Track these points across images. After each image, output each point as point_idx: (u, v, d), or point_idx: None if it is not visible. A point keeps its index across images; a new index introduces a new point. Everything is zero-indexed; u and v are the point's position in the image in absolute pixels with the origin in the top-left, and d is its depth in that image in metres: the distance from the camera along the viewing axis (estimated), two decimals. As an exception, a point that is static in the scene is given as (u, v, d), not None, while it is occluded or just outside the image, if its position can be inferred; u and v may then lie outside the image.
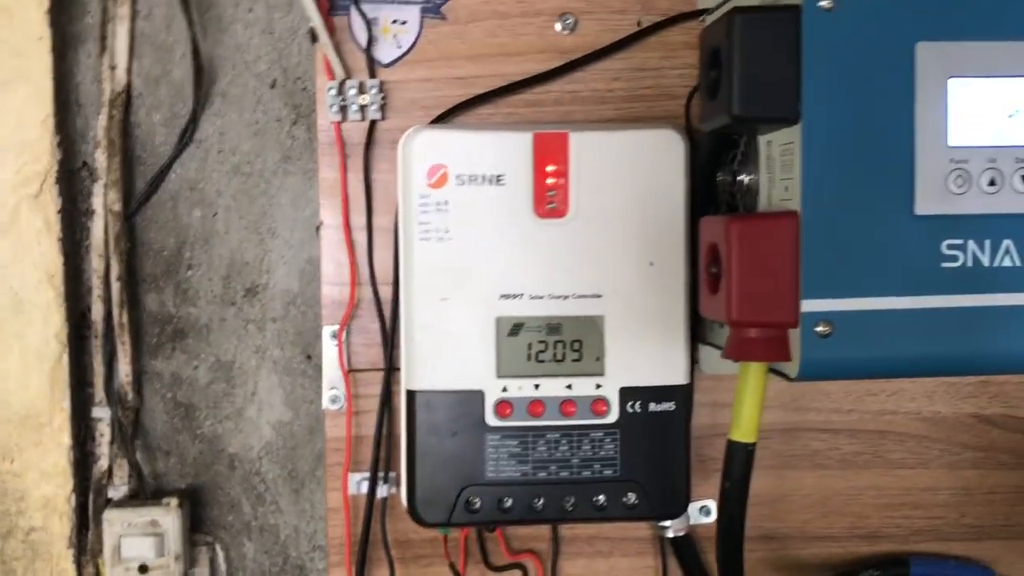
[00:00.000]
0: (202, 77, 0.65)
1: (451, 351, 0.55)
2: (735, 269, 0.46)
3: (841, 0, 0.45)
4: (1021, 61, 0.46)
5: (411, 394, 0.55)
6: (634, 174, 0.55)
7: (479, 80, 0.61)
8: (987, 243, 0.46)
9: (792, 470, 0.64)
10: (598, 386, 0.56)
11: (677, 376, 0.56)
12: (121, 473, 0.65)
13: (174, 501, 0.64)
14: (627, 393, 0.56)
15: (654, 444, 0.56)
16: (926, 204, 0.46)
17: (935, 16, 0.45)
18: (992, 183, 0.46)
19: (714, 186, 0.57)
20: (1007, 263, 0.46)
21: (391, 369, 0.59)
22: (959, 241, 0.46)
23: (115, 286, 0.64)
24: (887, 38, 0.45)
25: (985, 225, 0.46)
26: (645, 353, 0.56)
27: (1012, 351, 0.47)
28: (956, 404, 0.64)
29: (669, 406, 0.56)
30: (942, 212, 0.46)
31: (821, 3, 0.45)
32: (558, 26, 0.62)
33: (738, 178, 0.54)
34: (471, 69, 0.61)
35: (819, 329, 0.46)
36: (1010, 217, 0.46)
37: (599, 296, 0.56)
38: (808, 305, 0.46)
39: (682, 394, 0.56)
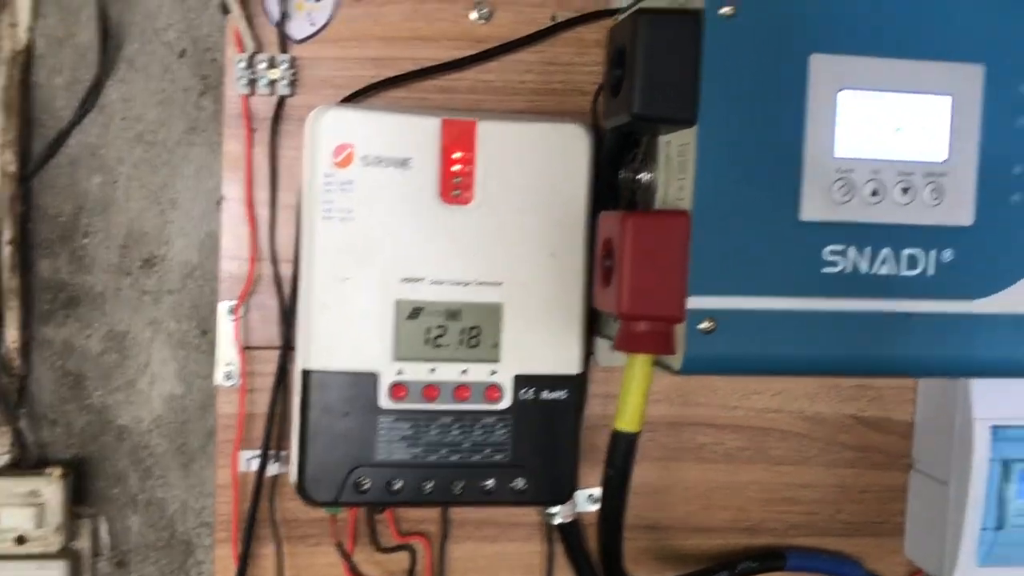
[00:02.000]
0: (108, 42, 0.64)
1: (348, 332, 0.55)
2: (627, 263, 0.47)
3: (741, 8, 0.46)
4: (909, 78, 0.48)
5: (306, 373, 0.55)
6: (539, 166, 0.56)
7: (392, 63, 0.61)
8: (867, 251, 0.48)
9: (677, 462, 0.66)
10: (493, 372, 0.56)
11: (571, 366, 0.57)
12: (3, 441, 0.63)
13: (57, 471, 0.62)
14: (521, 381, 0.57)
15: (545, 431, 0.57)
16: (811, 211, 0.48)
17: (830, 29, 0.47)
18: (874, 194, 0.48)
19: (616, 182, 0.58)
20: (884, 271, 0.48)
21: (287, 348, 0.59)
22: (840, 247, 0.48)
23: (6, 249, 0.63)
24: (783, 48, 0.47)
25: (866, 233, 0.48)
26: (541, 342, 0.57)
27: (886, 355, 0.49)
28: (837, 405, 0.67)
29: (561, 395, 0.57)
30: (826, 219, 0.48)
31: (722, 10, 0.46)
32: (474, 15, 0.62)
33: (638, 176, 0.55)
34: (384, 51, 0.61)
35: (703, 326, 0.47)
36: (889, 227, 0.48)
37: (499, 284, 0.56)
38: (694, 302, 0.47)
39: (575, 384, 0.57)
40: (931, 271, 0.49)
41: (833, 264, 0.48)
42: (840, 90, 0.47)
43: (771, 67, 0.47)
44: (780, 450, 0.67)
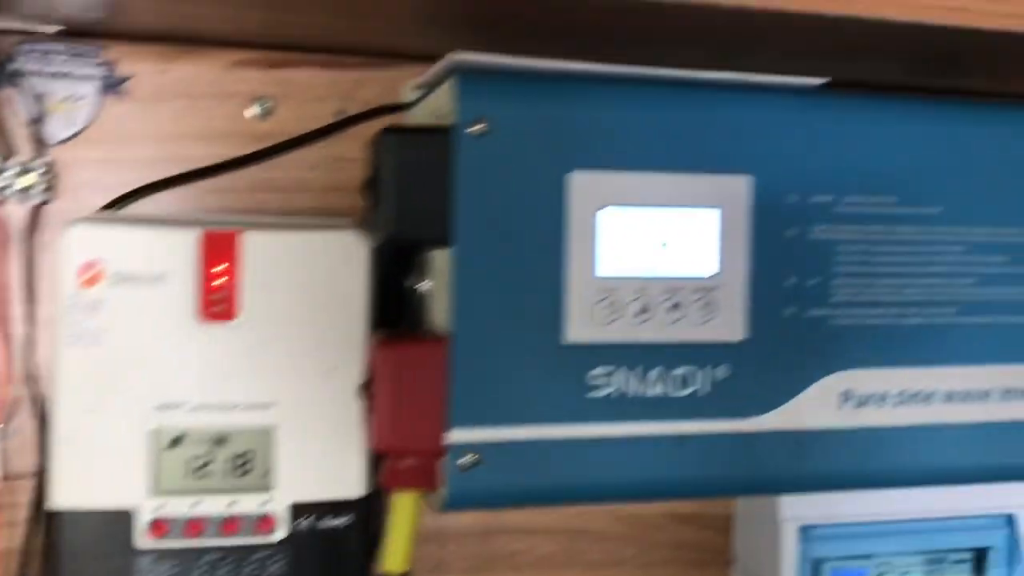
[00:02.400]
0: None
1: (98, 467, 0.50)
2: (380, 395, 0.44)
3: (493, 126, 0.44)
4: (674, 192, 0.46)
5: (50, 515, 0.50)
6: (312, 277, 0.53)
7: (164, 163, 0.57)
8: (636, 371, 0.46)
9: (489, 573, 0.63)
10: (265, 502, 0.52)
11: (353, 489, 0.54)
12: None
13: None
14: (298, 509, 0.53)
15: (327, 563, 0.53)
16: (575, 332, 0.45)
17: (589, 146, 0.45)
18: (641, 312, 0.46)
19: (402, 291, 0.55)
20: (655, 392, 0.46)
21: (43, 477, 0.54)
22: (608, 369, 0.46)
23: None
24: (540, 166, 0.44)
25: (634, 353, 0.46)
26: (320, 466, 0.53)
27: (662, 478, 0.47)
28: (651, 504, 0.65)
29: (344, 521, 0.53)
30: (591, 341, 0.46)
31: (473, 127, 0.43)
32: (252, 111, 0.59)
33: (416, 286, 0.52)
34: (155, 151, 0.57)
35: (465, 460, 0.44)
36: (658, 346, 0.46)
37: (270, 406, 0.52)
38: (454, 435, 0.44)
39: (359, 508, 0.54)
40: (704, 390, 0.47)
41: (601, 387, 0.46)
42: (601, 208, 0.45)
43: (529, 185, 0.44)
44: (594, 553, 0.64)
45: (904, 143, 0.49)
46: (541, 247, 0.45)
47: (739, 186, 0.47)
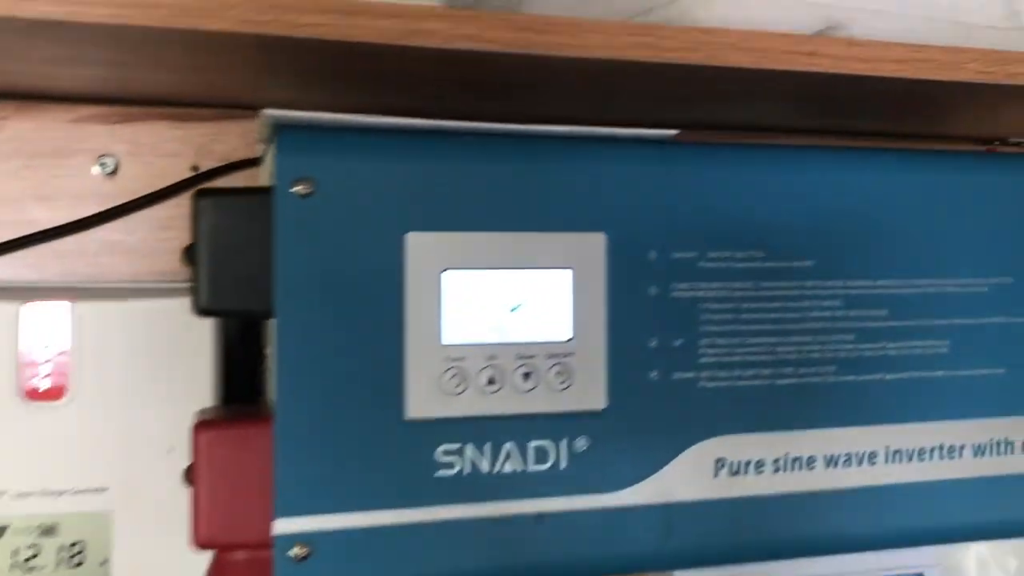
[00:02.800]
0: None
1: (-94, 564, 0.45)
2: (199, 483, 0.40)
3: (319, 186, 0.40)
4: (520, 252, 0.43)
5: None
6: (152, 348, 0.49)
7: (2, 227, 0.53)
8: (487, 447, 0.43)
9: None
10: (100, 595, 0.48)
11: (198, 577, 0.49)
12: None
13: None
14: (137, 602, 0.48)
15: (169, 658, 0.48)
16: (418, 407, 0.42)
17: (426, 205, 0.42)
18: (491, 382, 0.42)
19: (260, 362, 0.51)
20: (509, 468, 0.43)
21: None
22: (455, 447, 0.42)
23: None
24: (373, 227, 0.41)
25: (484, 428, 0.42)
26: (161, 553, 0.49)
27: (520, 562, 0.43)
28: None
29: (188, 614, 0.49)
30: (436, 416, 0.42)
31: (295, 188, 0.40)
32: (96, 169, 0.55)
33: (264, 353, 0.48)
34: (-9, 214, 0.53)
35: (294, 552, 0.40)
36: (511, 418, 0.43)
37: (105, 490, 0.48)
38: (282, 525, 0.40)
39: (204, 599, 0.49)
40: (563, 464, 0.43)
41: (448, 466, 0.42)
42: (444, 270, 0.42)
43: (360, 248, 0.41)
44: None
45: (769, 193, 0.46)
46: (377, 315, 0.41)
47: (593, 244, 0.44)
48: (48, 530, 0.47)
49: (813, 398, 0.47)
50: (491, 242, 0.43)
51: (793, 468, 0.47)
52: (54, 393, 0.47)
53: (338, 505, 0.41)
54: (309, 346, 0.40)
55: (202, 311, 0.40)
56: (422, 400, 0.42)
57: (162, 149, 0.56)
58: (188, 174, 0.56)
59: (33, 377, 0.47)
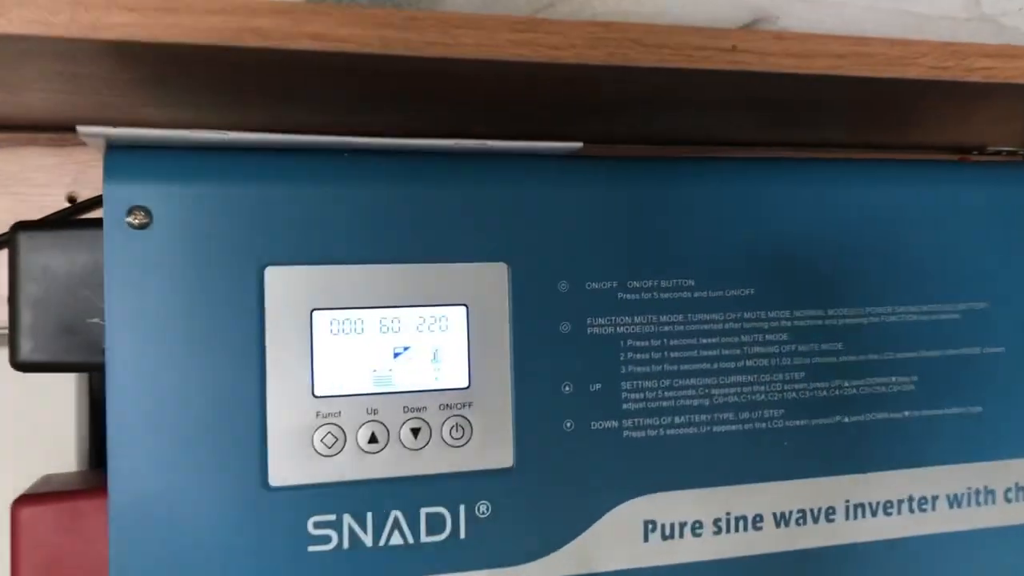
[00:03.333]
0: None
1: None
2: (19, 571, 0.33)
3: (156, 215, 0.34)
4: (404, 287, 0.36)
5: None
6: (6, 406, 0.42)
7: None
8: (369, 516, 0.36)
9: None
10: None
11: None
12: None
13: None
14: None
15: None
16: (284, 473, 0.35)
17: (290, 235, 0.35)
18: (373, 440, 0.36)
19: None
20: (396, 541, 0.36)
21: None
22: (330, 518, 0.36)
23: None
24: (225, 262, 0.35)
25: (365, 495, 0.36)
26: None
27: (411, 650, 0.36)
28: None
29: None
30: (306, 482, 0.35)
31: (128, 219, 0.34)
32: (-40, 202, 0.49)
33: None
34: None
35: (136, 647, 0.33)
36: (397, 482, 0.36)
37: (-53, 569, 0.41)
38: (120, 617, 0.33)
39: None
40: (462, 533, 0.37)
41: (323, 540, 0.36)
42: (313, 310, 0.35)
43: (210, 288, 0.35)
44: None
45: (699, 212, 0.40)
46: (232, 364, 0.35)
47: (493, 276, 0.38)
48: None
49: (758, 447, 0.41)
50: (369, 276, 0.36)
51: (737, 529, 0.40)
52: None
53: (188, 591, 0.34)
54: (146, 404, 0.34)
55: (20, 365, 0.34)
56: (289, 464, 0.35)
57: (34, 178, 0.50)
58: (64, 205, 0.50)
59: None
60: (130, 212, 0.34)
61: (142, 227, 0.34)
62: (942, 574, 0.43)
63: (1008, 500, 0.44)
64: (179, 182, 0.34)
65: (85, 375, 0.43)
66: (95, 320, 0.34)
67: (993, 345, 0.44)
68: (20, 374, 0.40)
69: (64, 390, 0.43)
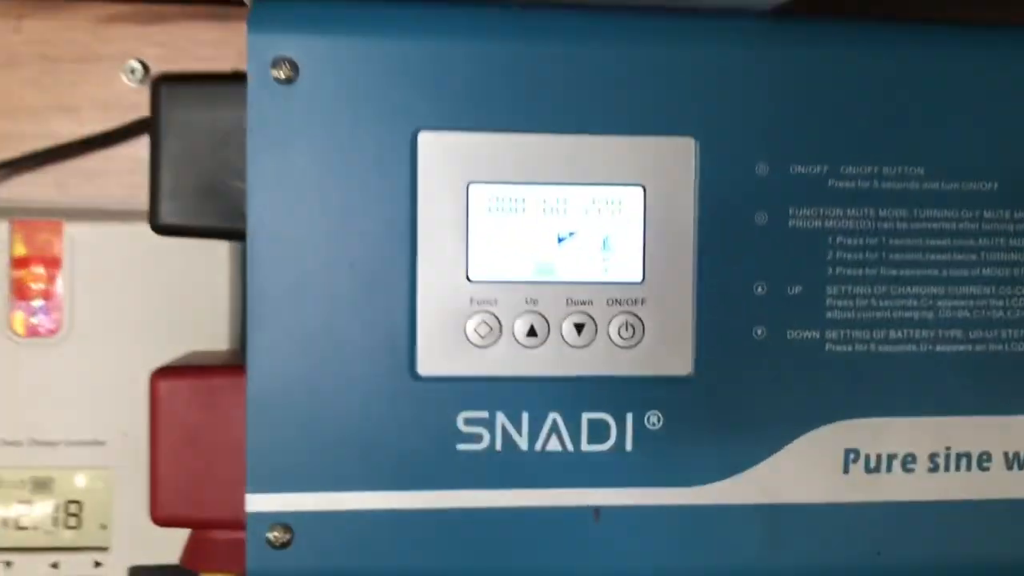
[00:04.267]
0: None
1: None
2: (155, 445, 0.31)
3: (302, 69, 0.31)
4: (574, 162, 0.32)
5: None
6: (160, 278, 0.41)
7: (21, 140, 0.47)
8: (524, 417, 0.32)
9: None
10: (99, 564, 0.41)
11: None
12: None
13: None
14: (138, 573, 0.41)
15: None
16: (433, 361, 0.32)
17: (446, 97, 0.31)
18: (532, 333, 0.32)
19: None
20: (554, 446, 0.32)
21: None
22: (483, 414, 0.32)
23: None
24: (374, 124, 0.31)
25: (521, 393, 0.32)
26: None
27: (565, 568, 0.33)
28: None
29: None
30: (457, 373, 0.32)
31: (272, 72, 0.31)
32: (125, 75, 0.47)
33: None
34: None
35: (273, 535, 0.31)
36: (557, 381, 0.32)
37: (104, 443, 0.41)
38: (257, 502, 0.31)
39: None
40: (629, 445, 0.32)
41: (473, 439, 0.32)
42: (470, 183, 0.31)
43: (358, 152, 0.31)
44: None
45: (937, 86, 0.33)
46: (380, 239, 0.31)
47: (678, 153, 0.32)
48: (41, 486, 0.41)
49: (990, 373, 0.34)
50: (533, 147, 0.32)
51: (958, 467, 0.34)
52: (47, 328, 0.40)
53: (328, 482, 0.32)
54: (289, 276, 0.31)
55: (160, 228, 0.32)
56: (440, 352, 0.32)
57: (199, 53, 0.48)
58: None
59: (22, 310, 0.40)
60: (275, 64, 0.31)
61: (287, 81, 0.31)
62: None
63: None
64: (328, 33, 0.31)
65: (237, 247, 0.41)
66: (239, 183, 0.31)
67: None
68: (174, 244, 0.39)
69: (217, 262, 0.41)
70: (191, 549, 0.34)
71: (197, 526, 0.33)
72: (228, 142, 0.31)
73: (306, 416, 0.31)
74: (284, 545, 0.32)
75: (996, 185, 0.33)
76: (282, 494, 0.32)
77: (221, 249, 0.42)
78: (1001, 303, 0.34)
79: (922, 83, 0.33)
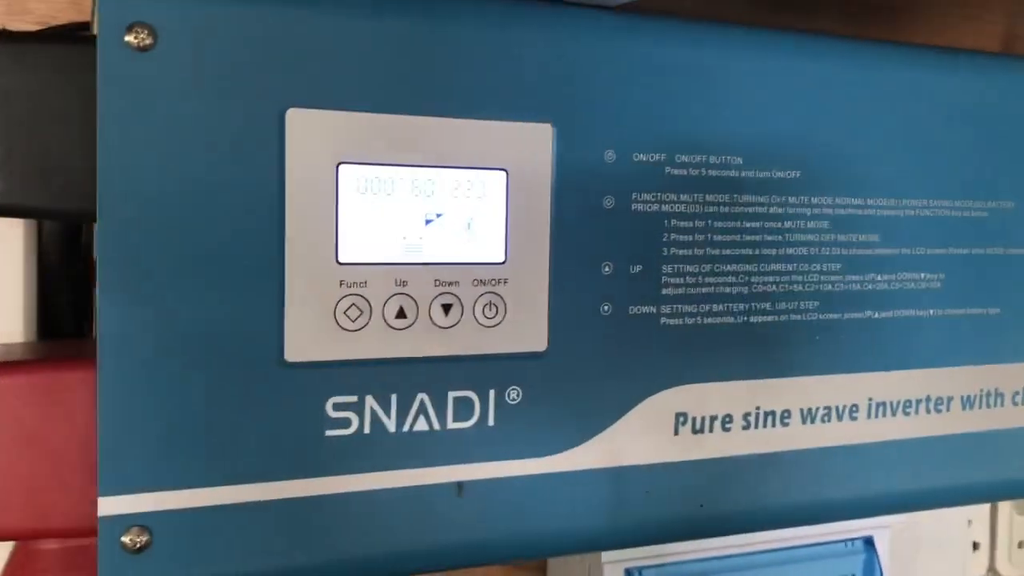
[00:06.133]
0: None
1: None
2: (-10, 451, 0.28)
3: (165, 36, 0.28)
4: (441, 145, 0.32)
5: None
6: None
7: None
8: (393, 400, 0.32)
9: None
10: None
11: None
12: None
13: None
14: None
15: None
16: (301, 347, 0.31)
17: (315, 73, 0.30)
18: (402, 315, 0.32)
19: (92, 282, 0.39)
20: (421, 426, 0.32)
21: None
22: (351, 399, 0.32)
23: None
24: (238, 98, 0.29)
25: (389, 375, 0.32)
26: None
27: (431, 544, 0.33)
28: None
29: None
30: (326, 358, 0.31)
31: (128, 37, 0.28)
32: None
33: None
34: None
35: (128, 539, 0.29)
36: (424, 363, 0.32)
37: None
38: (110, 505, 0.29)
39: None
40: (491, 420, 0.33)
41: (342, 424, 0.32)
42: (339, 163, 0.31)
43: (220, 128, 0.29)
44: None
45: (755, 83, 0.36)
46: (246, 219, 0.30)
47: (536, 137, 0.33)
48: None
49: (791, 340, 0.38)
50: (404, 128, 0.32)
51: (765, 424, 0.38)
52: None
53: (191, 478, 0.30)
54: (145, 259, 0.29)
55: (12, 211, 0.28)
56: (308, 337, 0.31)
57: (30, 5, 0.42)
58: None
59: None
60: (130, 29, 0.28)
61: (144, 49, 0.28)
62: (952, 476, 0.42)
63: (1015, 403, 0.43)
64: (192, -2, 0.29)
65: (33, 232, 0.37)
66: (82, 157, 0.28)
67: (1017, 246, 0.43)
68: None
69: (8, 247, 0.37)
70: (17, 562, 0.30)
71: (36, 536, 0.29)
72: (68, 114, 0.28)
73: (165, 410, 0.29)
74: (142, 548, 0.30)
75: (799, 174, 0.38)
76: (139, 494, 0.30)
77: (13, 231, 0.37)
78: (801, 278, 0.38)
79: (741, 80, 0.36)
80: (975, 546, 0.66)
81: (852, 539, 0.55)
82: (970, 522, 0.66)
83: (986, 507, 0.68)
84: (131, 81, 0.28)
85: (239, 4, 0.29)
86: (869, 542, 0.55)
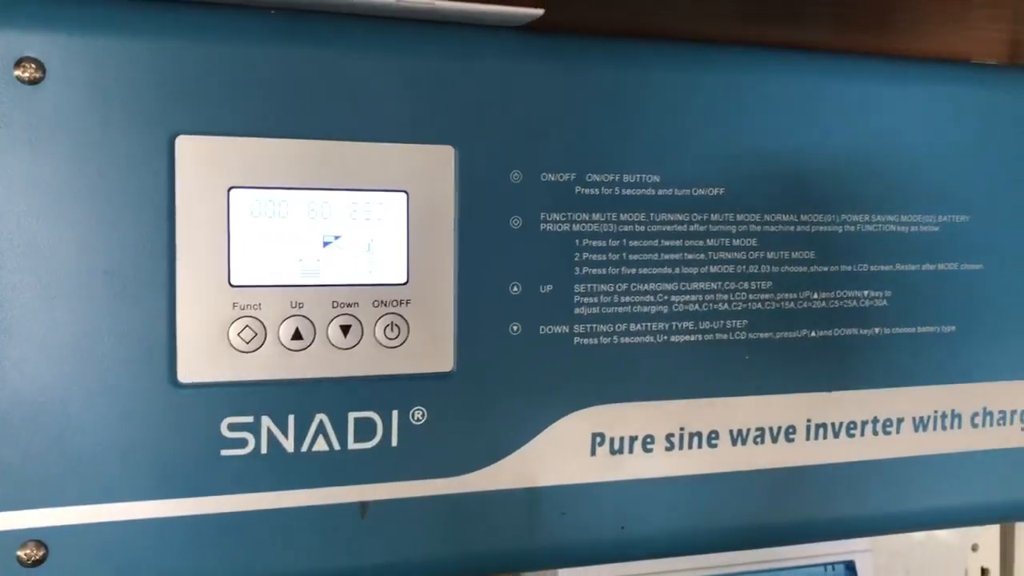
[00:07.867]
0: None
1: None
2: None
3: (54, 70, 0.29)
4: (337, 168, 0.32)
5: None
6: None
7: None
8: (290, 420, 0.33)
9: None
10: None
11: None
12: None
13: None
14: None
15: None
16: (195, 368, 0.32)
17: (203, 100, 0.31)
18: (297, 336, 0.32)
19: None
20: (320, 447, 0.33)
21: None
22: (248, 419, 0.32)
23: None
24: (125, 128, 0.30)
25: (287, 396, 0.32)
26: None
27: (336, 568, 0.33)
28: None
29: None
30: (220, 379, 0.32)
31: (17, 72, 0.29)
32: None
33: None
34: None
35: (24, 553, 0.30)
36: (323, 382, 0.33)
37: None
38: (5, 520, 0.30)
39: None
40: (395, 440, 0.34)
41: (238, 444, 0.32)
42: (231, 188, 0.31)
43: (109, 158, 0.30)
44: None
45: (670, 99, 0.36)
46: (134, 246, 0.31)
47: (437, 159, 0.34)
48: None
49: (717, 360, 0.38)
50: (297, 152, 0.32)
51: (690, 445, 0.38)
52: None
53: (86, 494, 0.31)
54: (38, 285, 0.30)
55: None
56: (201, 359, 0.32)
57: None
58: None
59: None
60: (18, 64, 0.29)
61: (33, 82, 0.30)
62: (903, 501, 0.41)
63: (975, 425, 0.42)
64: (78, 32, 0.30)
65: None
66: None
67: (971, 262, 0.41)
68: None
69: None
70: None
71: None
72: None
73: (60, 428, 0.31)
74: (37, 562, 0.31)
75: (722, 191, 0.37)
76: (35, 510, 0.31)
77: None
78: (726, 296, 0.38)
79: (659, 97, 0.36)
80: (984, 572, 0.63)
81: (833, 563, 0.53)
82: (975, 547, 0.63)
83: (995, 532, 0.65)
84: (22, 112, 0.30)
85: (126, 37, 0.30)
86: (850, 567, 0.53)
